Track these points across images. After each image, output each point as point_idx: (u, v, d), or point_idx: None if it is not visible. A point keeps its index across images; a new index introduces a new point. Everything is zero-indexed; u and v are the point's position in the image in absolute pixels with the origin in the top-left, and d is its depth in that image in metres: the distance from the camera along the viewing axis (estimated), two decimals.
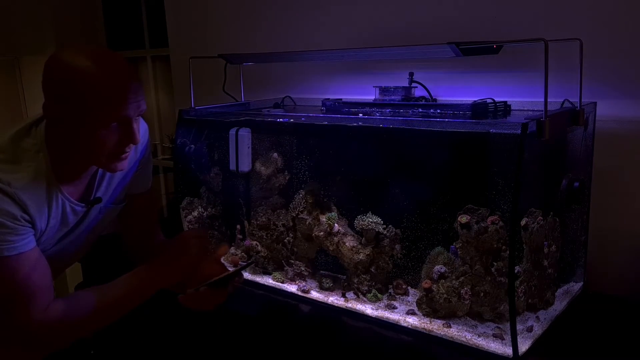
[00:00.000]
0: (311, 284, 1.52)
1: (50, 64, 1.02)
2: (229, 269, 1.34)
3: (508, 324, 1.14)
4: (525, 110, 1.37)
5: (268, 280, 1.57)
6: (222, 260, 1.65)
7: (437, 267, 1.29)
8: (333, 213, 1.48)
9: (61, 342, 1.16)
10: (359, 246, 1.41)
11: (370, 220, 1.38)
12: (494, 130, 1.15)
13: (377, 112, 1.42)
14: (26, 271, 1.05)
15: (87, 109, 1.00)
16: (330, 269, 1.56)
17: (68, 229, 1.19)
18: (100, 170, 1.21)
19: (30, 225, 1.06)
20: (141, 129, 1.32)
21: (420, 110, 1.38)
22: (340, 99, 1.62)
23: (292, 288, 1.51)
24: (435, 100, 1.53)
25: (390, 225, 1.39)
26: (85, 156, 1.10)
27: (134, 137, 1.07)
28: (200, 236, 1.22)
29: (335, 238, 1.44)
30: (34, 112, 1.17)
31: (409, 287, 1.42)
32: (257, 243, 1.63)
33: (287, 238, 1.57)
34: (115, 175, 1.25)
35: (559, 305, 1.31)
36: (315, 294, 1.46)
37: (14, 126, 1.11)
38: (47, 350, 1.19)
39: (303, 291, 1.48)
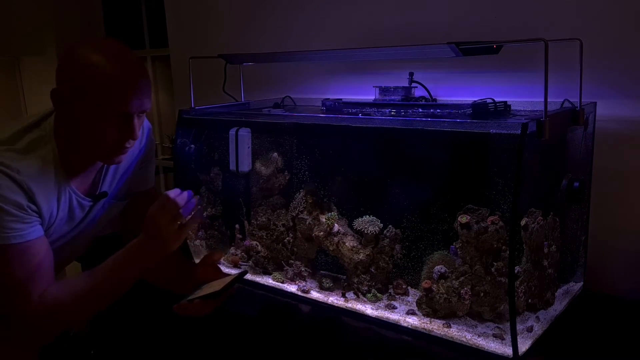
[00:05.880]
0: (311, 284, 1.52)
1: (66, 51, 1.07)
2: (225, 270, 1.34)
3: (508, 324, 1.14)
4: (525, 110, 1.37)
5: (268, 280, 1.57)
6: (221, 260, 1.67)
7: (437, 267, 1.29)
8: (333, 213, 1.48)
9: (57, 326, 1.18)
10: (359, 246, 1.41)
11: (369, 220, 1.38)
12: (494, 130, 1.15)
13: (377, 112, 1.42)
14: (32, 259, 1.06)
15: (89, 101, 1.03)
16: (330, 269, 1.56)
17: (75, 224, 1.20)
18: (105, 166, 1.22)
19: (36, 215, 1.07)
20: (145, 126, 1.34)
21: (420, 110, 1.38)
22: (340, 99, 1.62)
23: (292, 288, 1.51)
24: (435, 100, 1.53)
25: (390, 225, 1.39)
26: (87, 148, 1.11)
27: (134, 133, 1.08)
28: (164, 205, 1.11)
29: (335, 238, 1.44)
30: (34, 112, 1.19)
31: (409, 287, 1.42)
32: (257, 243, 1.63)
33: (287, 238, 1.57)
34: (119, 171, 1.26)
35: (559, 305, 1.31)
36: (315, 294, 1.46)
37: (26, 119, 1.14)
38: (44, 335, 1.20)
39: (303, 291, 1.48)
